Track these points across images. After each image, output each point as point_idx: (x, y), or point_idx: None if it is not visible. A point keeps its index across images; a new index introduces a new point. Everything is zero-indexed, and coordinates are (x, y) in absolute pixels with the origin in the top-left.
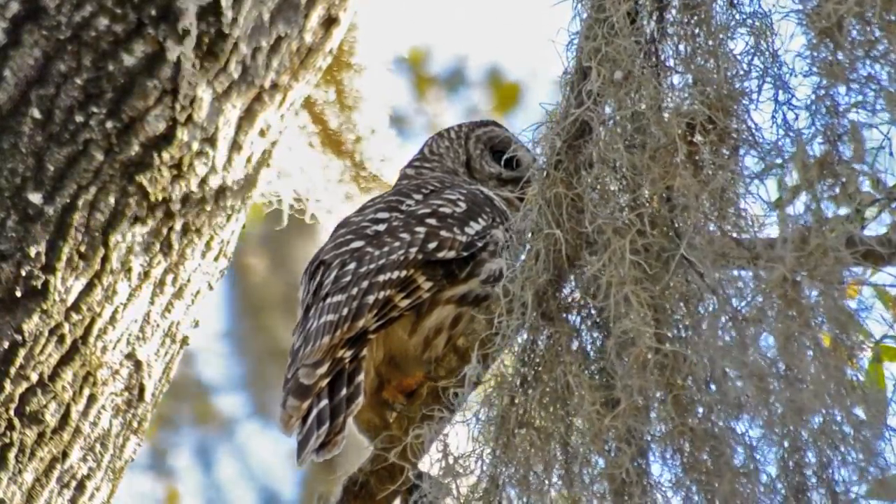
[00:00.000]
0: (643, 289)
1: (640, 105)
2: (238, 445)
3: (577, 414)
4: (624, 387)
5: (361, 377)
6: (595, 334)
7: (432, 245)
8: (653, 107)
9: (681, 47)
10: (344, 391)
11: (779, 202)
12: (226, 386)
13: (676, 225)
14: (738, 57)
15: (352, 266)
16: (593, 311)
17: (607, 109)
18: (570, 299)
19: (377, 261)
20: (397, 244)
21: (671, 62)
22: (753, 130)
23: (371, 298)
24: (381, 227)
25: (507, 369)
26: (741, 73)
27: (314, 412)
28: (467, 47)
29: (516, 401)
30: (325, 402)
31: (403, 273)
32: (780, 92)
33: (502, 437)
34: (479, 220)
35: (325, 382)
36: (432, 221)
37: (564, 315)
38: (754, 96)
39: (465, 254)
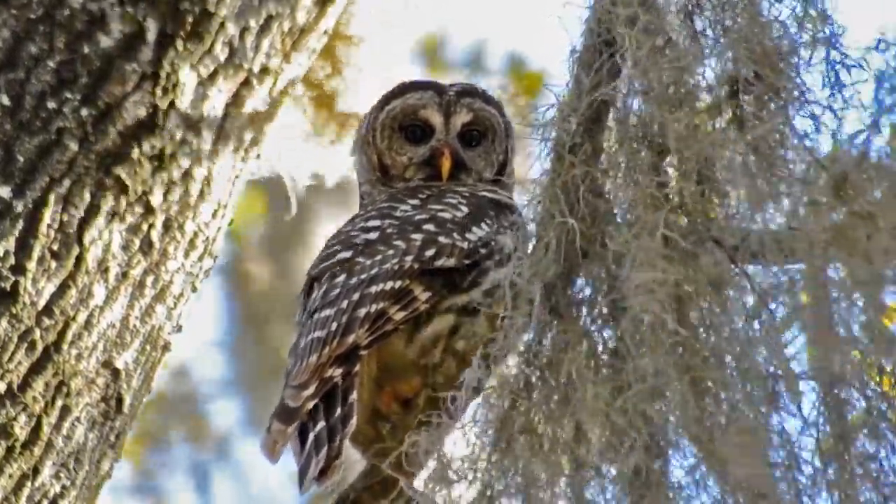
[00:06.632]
0: (671, 267)
1: (675, 72)
2: (235, 466)
3: (584, 412)
4: (636, 368)
5: (355, 396)
6: (607, 333)
7: (430, 252)
8: (692, 72)
9: (719, 16)
10: (339, 410)
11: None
12: (223, 402)
13: (712, 207)
14: (786, 22)
15: (341, 278)
16: (604, 309)
17: (635, 84)
18: (581, 294)
19: (369, 271)
20: (391, 252)
21: (709, 32)
22: (804, 90)
23: (362, 312)
24: (373, 236)
25: (509, 369)
26: (789, 38)
27: (311, 436)
28: (486, 32)
29: (518, 404)
30: (321, 423)
31: (398, 284)
32: (832, 52)
33: (502, 443)
34: (483, 225)
35: (311, 404)
36: (430, 227)
37: (575, 312)
38: (804, 56)
39: (466, 262)
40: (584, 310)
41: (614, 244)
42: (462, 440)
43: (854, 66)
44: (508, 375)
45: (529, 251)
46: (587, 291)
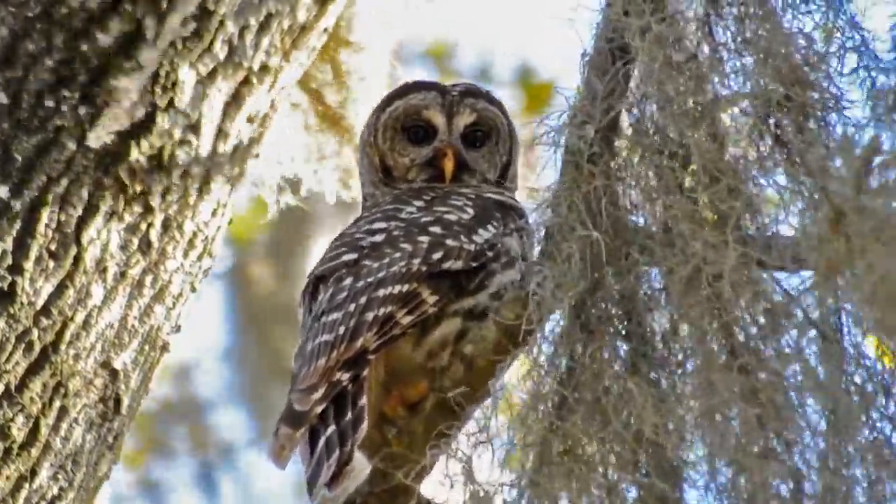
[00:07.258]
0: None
1: (693, 85)
2: (240, 472)
3: (619, 433)
4: (703, 383)
5: (364, 400)
6: (624, 345)
7: (437, 255)
8: (711, 85)
9: (740, 27)
10: (349, 415)
11: None
12: (226, 407)
13: (747, 224)
14: (810, 34)
15: (348, 281)
16: (623, 322)
17: (650, 95)
18: (611, 309)
19: (376, 274)
20: (398, 255)
21: (730, 44)
22: (839, 97)
23: (370, 315)
24: (379, 238)
25: (542, 388)
26: (815, 49)
27: (322, 440)
28: (495, 42)
29: (555, 425)
30: (332, 428)
31: (406, 287)
32: (865, 57)
33: (543, 467)
34: (489, 227)
35: (320, 408)
36: (436, 230)
37: (605, 327)
38: (835, 65)
39: (473, 264)
40: (615, 325)
41: (663, 260)
42: (488, 459)
43: (891, 69)
44: (542, 395)
45: (539, 257)
46: (616, 307)
